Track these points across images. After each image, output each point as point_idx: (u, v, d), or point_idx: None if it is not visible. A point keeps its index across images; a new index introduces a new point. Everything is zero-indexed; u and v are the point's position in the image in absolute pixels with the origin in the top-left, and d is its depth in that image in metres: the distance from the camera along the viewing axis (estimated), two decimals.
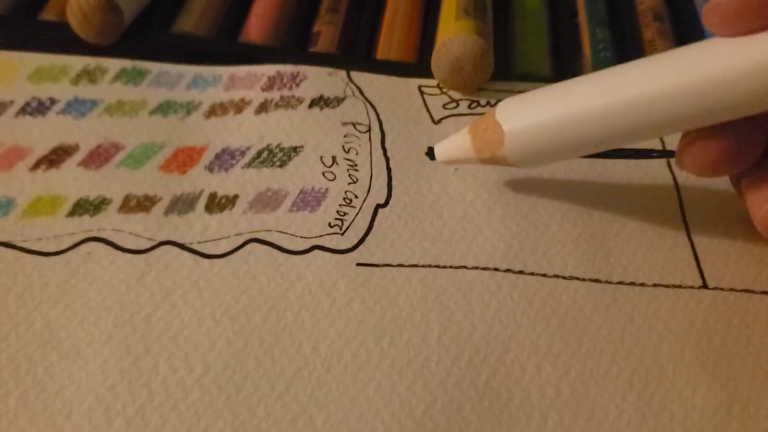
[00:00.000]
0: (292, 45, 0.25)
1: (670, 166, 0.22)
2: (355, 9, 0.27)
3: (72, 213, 0.19)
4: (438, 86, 0.24)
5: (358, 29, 0.26)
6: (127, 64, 0.23)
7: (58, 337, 0.17)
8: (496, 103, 0.23)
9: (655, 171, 0.22)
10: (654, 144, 0.22)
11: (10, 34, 0.24)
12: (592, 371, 0.17)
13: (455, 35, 0.22)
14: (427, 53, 0.24)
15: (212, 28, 0.25)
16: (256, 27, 0.25)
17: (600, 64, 0.26)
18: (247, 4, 0.27)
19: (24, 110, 0.22)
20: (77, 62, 0.23)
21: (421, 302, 0.18)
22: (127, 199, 0.20)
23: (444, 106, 0.23)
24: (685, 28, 0.27)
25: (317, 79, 0.23)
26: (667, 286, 0.19)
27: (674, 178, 0.22)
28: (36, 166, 0.20)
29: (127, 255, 0.18)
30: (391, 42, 0.25)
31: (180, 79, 0.23)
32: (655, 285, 0.19)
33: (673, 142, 0.21)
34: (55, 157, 0.20)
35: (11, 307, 0.17)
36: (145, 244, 0.19)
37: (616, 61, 0.26)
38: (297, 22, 0.26)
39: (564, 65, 0.26)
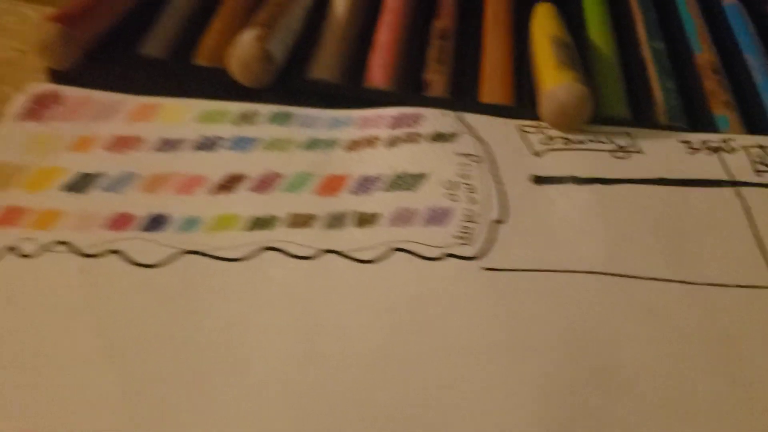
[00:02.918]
0: (408, 90, 0.30)
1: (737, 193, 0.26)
2: (458, 59, 0.31)
3: (249, 228, 0.24)
4: (535, 125, 0.28)
5: (463, 77, 0.31)
6: (275, 108, 0.28)
7: (249, 324, 0.21)
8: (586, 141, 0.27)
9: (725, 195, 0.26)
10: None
11: (171, 76, 0.29)
12: (685, 356, 0.21)
13: (561, 83, 0.26)
14: (524, 97, 0.29)
15: (340, 75, 0.30)
16: (379, 75, 0.30)
17: (673, 111, 0.30)
18: (365, 54, 0.31)
19: (198, 146, 0.26)
20: (234, 107, 0.28)
21: (539, 299, 0.22)
22: (291, 216, 0.24)
23: (541, 142, 0.27)
24: (739, 81, 0.31)
25: (433, 119, 0.27)
26: (744, 287, 0.23)
27: (743, 204, 0.25)
28: (214, 191, 0.25)
29: (297, 261, 0.23)
30: (492, 88, 0.30)
31: (319, 120, 0.28)
32: (736, 286, 0.23)
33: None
34: (228, 184, 0.25)
35: (208, 301, 0.22)
36: (311, 252, 0.23)
37: (685, 108, 0.30)
38: (411, 70, 0.30)
39: (641, 111, 0.30)
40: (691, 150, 0.28)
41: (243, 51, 0.28)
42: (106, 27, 0.30)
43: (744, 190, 0.26)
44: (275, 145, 0.26)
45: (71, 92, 0.28)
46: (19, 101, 0.27)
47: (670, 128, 0.29)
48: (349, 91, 0.29)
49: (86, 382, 0.19)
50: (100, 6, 0.30)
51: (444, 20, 0.33)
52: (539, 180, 0.26)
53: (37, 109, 0.27)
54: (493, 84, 0.30)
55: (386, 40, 0.32)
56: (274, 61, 0.28)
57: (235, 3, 0.33)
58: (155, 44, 0.31)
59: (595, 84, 0.30)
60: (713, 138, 0.28)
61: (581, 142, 0.27)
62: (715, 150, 0.28)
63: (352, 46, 0.32)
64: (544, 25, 0.32)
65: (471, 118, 0.28)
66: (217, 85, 0.28)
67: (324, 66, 0.30)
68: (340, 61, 0.31)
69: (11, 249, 0.22)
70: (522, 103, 0.29)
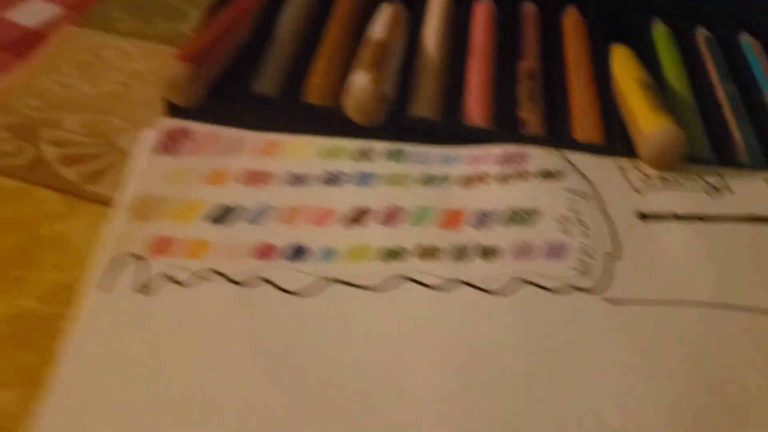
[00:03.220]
0: (507, 128, 0.31)
1: None
2: (546, 98, 0.33)
3: (382, 258, 0.25)
4: (632, 164, 0.30)
5: (554, 115, 0.32)
6: (388, 145, 0.30)
7: (399, 348, 0.23)
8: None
9: None
10: None
11: (287, 114, 0.31)
12: None
13: (659, 127, 0.28)
14: (614, 135, 0.31)
15: (439, 113, 0.32)
16: (476, 113, 0.32)
17: (752, 151, 0.32)
18: (458, 92, 0.33)
19: (324, 180, 0.28)
20: (350, 144, 0.30)
21: (661, 328, 0.24)
22: (419, 248, 0.26)
23: (639, 180, 0.29)
24: None
25: (539, 157, 0.29)
26: None
27: None
28: (344, 223, 0.26)
29: (432, 290, 0.24)
30: (584, 126, 0.32)
31: (431, 157, 0.29)
32: None
33: None
34: (357, 216, 0.27)
35: (359, 326, 0.23)
36: (443, 283, 0.25)
37: (762, 149, 0.32)
38: (505, 109, 0.32)
39: (723, 150, 0.32)
40: None
41: (360, 93, 0.29)
42: (224, 65, 0.32)
43: None
44: (394, 180, 0.28)
45: (198, 128, 0.29)
46: (152, 136, 0.29)
47: (753, 166, 0.31)
48: (456, 129, 0.31)
49: (252, 401, 0.21)
50: (221, 44, 0.32)
51: (529, 61, 0.35)
52: (644, 216, 0.28)
53: (170, 143, 0.29)
54: (584, 122, 0.32)
55: (479, 80, 0.33)
56: (388, 101, 0.30)
57: (334, 42, 0.35)
58: (265, 81, 0.32)
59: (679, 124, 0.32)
60: None
61: (677, 181, 0.29)
62: None
63: (447, 84, 0.34)
64: (626, 67, 0.34)
65: (573, 156, 0.30)
66: (330, 122, 0.30)
67: (424, 104, 0.32)
68: (437, 99, 0.33)
69: (167, 277, 0.24)
70: (612, 140, 0.31)
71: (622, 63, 0.34)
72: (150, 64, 0.36)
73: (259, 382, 0.22)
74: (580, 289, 0.25)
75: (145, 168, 0.28)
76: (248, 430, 0.21)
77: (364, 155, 0.29)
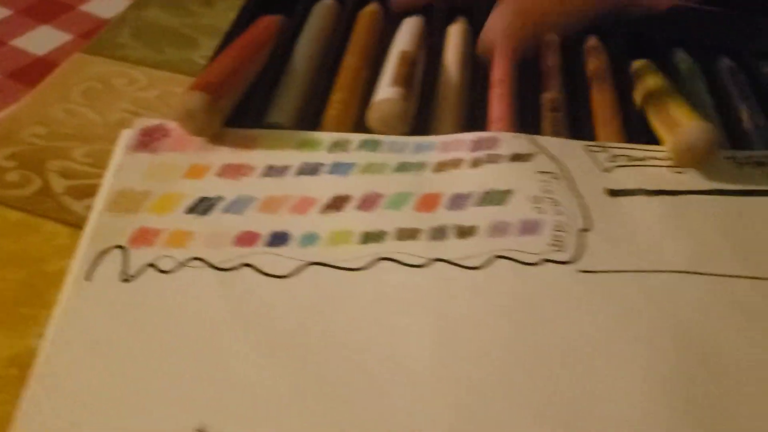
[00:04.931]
0: None
1: None
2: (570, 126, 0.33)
3: (362, 241, 0.26)
4: (600, 145, 0.31)
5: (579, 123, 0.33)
6: (365, 136, 0.30)
7: (388, 324, 0.23)
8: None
9: None
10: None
11: None
12: None
13: (698, 122, 0.30)
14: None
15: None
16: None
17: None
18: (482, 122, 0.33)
19: (301, 171, 0.29)
20: (326, 136, 0.30)
21: (636, 296, 0.24)
22: (398, 230, 0.26)
23: (607, 160, 0.30)
24: None
25: (509, 141, 0.30)
26: None
27: None
28: (324, 210, 0.27)
29: (412, 269, 0.25)
30: (609, 132, 0.32)
31: (407, 146, 0.30)
32: None
33: None
34: (337, 203, 0.27)
35: (344, 306, 0.24)
36: (422, 261, 0.25)
37: None
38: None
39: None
40: (737, 164, 0.31)
41: (387, 108, 0.30)
42: (240, 95, 0.32)
43: None
44: (369, 168, 0.29)
45: (177, 125, 0.30)
46: (129, 135, 0.29)
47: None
48: None
49: (253, 380, 0.21)
50: (237, 74, 0.31)
51: (552, 92, 0.34)
52: (613, 193, 0.28)
53: (149, 141, 0.29)
54: (610, 129, 0.32)
55: (500, 114, 0.32)
56: (410, 118, 0.31)
57: (351, 74, 0.34)
58: (280, 112, 0.32)
59: None
60: (756, 154, 0.32)
61: (642, 159, 0.30)
62: (759, 164, 0.31)
63: (468, 111, 0.34)
64: (652, 76, 0.35)
65: (542, 140, 0.31)
66: None
67: (446, 128, 0.32)
68: (458, 124, 0.33)
69: (151, 266, 0.24)
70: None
71: (647, 74, 0.35)
72: (159, 93, 0.36)
73: (244, 364, 0.22)
74: (555, 262, 0.25)
75: (121, 164, 0.28)
76: (233, 412, 0.21)
77: (340, 146, 0.30)
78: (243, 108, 0.32)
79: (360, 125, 0.31)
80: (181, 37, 0.41)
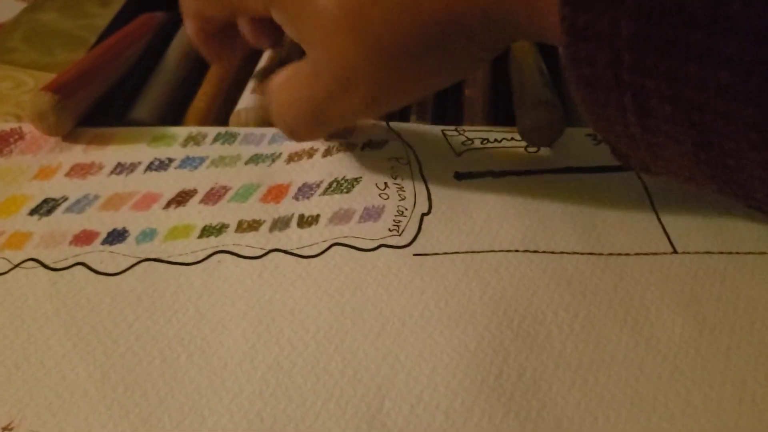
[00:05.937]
0: None
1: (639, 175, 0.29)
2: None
3: (201, 235, 0.26)
4: (455, 129, 0.31)
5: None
6: (220, 129, 0.31)
7: (207, 317, 0.23)
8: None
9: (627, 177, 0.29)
10: None
11: None
12: (595, 314, 0.24)
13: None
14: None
15: None
16: None
17: None
18: None
19: (150, 167, 0.29)
20: (182, 131, 0.30)
21: (464, 276, 0.25)
22: (240, 223, 0.27)
23: (461, 144, 0.30)
24: None
25: (367, 129, 0.30)
26: (645, 254, 0.26)
27: (643, 183, 0.29)
28: (167, 205, 0.27)
29: (247, 260, 0.25)
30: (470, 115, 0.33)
31: (263, 137, 0.30)
32: (636, 254, 0.26)
33: None
34: (181, 198, 0.28)
35: (169, 301, 0.24)
36: (259, 252, 0.26)
37: None
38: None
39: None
40: (595, 141, 0.31)
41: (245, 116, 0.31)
42: (100, 94, 0.32)
43: None
44: (221, 161, 0.29)
45: (32, 128, 0.30)
46: None
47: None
48: None
49: (65, 376, 0.22)
50: (93, 74, 0.32)
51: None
52: (460, 176, 0.29)
53: (3, 146, 0.29)
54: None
55: None
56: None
57: (222, 70, 0.35)
58: (145, 108, 0.32)
59: None
60: None
61: (497, 141, 0.31)
62: None
63: None
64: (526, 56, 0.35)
65: (399, 126, 0.31)
66: None
67: None
68: None
69: None
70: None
71: (524, 51, 0.35)
72: None
73: (59, 361, 0.22)
74: (391, 247, 0.26)
75: None
76: (43, 408, 0.21)
77: (194, 140, 0.30)
78: (107, 105, 0.32)
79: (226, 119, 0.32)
80: (73, 38, 0.41)
